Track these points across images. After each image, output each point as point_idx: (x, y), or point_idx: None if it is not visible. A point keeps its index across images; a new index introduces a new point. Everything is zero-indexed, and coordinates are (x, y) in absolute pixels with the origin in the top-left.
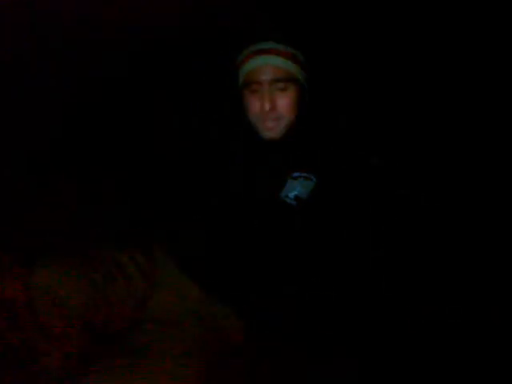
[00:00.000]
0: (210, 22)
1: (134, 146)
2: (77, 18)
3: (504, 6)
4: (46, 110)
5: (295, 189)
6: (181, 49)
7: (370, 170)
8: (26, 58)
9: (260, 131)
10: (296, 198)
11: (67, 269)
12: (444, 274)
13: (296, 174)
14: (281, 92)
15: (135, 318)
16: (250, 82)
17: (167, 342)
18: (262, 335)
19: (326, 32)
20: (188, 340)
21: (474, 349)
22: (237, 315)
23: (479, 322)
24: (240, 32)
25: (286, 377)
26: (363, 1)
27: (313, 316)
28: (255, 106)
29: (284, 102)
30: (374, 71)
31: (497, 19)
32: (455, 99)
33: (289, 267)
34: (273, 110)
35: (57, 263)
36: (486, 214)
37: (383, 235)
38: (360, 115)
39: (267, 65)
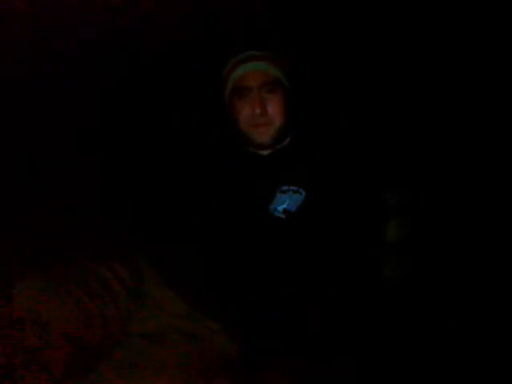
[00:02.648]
0: (210, 21)
1: (133, 147)
2: (77, 18)
3: (504, 6)
4: (47, 111)
5: (284, 202)
6: (181, 49)
7: (367, 173)
8: (28, 60)
9: (251, 137)
10: (285, 211)
11: (49, 285)
12: (444, 273)
13: (285, 188)
14: (270, 96)
15: (120, 333)
16: (239, 88)
17: (154, 357)
18: (262, 336)
19: (325, 34)
20: (176, 355)
21: (474, 349)
22: (227, 330)
23: (479, 321)
24: (240, 32)
25: (286, 377)
26: (363, 1)
27: (312, 316)
28: (245, 110)
29: (274, 106)
30: (372, 73)
31: (497, 19)
32: (455, 99)
33: (285, 271)
34: (263, 113)
35: (38, 279)
36: (486, 213)
37: (383, 235)
38: (356, 120)
39: (255, 70)
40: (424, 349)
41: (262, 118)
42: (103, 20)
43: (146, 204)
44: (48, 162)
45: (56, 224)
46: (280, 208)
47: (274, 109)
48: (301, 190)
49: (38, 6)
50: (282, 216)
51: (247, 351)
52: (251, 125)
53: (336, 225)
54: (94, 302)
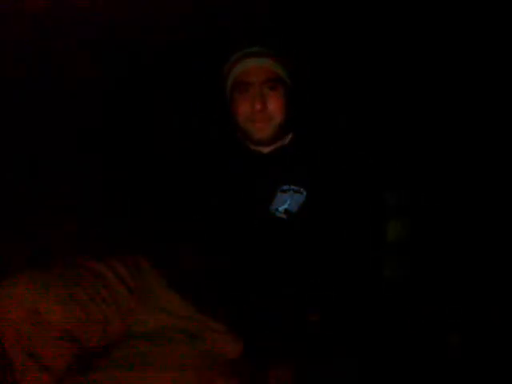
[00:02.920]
0: (209, 21)
1: (133, 146)
2: (77, 18)
3: (504, 6)
4: (47, 111)
5: (285, 202)
6: (181, 49)
7: (368, 173)
8: (28, 60)
9: (250, 133)
10: (286, 211)
11: (49, 284)
12: (444, 273)
13: (285, 187)
14: (271, 92)
15: (121, 333)
16: (240, 83)
17: (155, 357)
18: (262, 335)
19: (325, 33)
20: (177, 355)
21: (475, 349)
22: (228, 330)
23: (479, 322)
24: (240, 31)
25: (286, 377)
26: (363, 1)
27: (312, 316)
28: (245, 106)
29: (274, 103)
30: (373, 74)
31: (497, 19)
32: (455, 99)
33: (286, 272)
34: (263, 110)
35: (38, 278)
36: (486, 213)
37: (383, 235)
38: (356, 120)
39: (258, 66)
40: (424, 349)
41: (262, 114)
42: (103, 20)
43: (146, 204)
44: (48, 161)
45: (56, 224)
46: (281, 208)
47: (275, 106)
48: (301, 189)
49: (38, 5)
50: (284, 216)
51: (248, 351)
52: (250, 120)
53: (337, 225)
54: (94, 301)
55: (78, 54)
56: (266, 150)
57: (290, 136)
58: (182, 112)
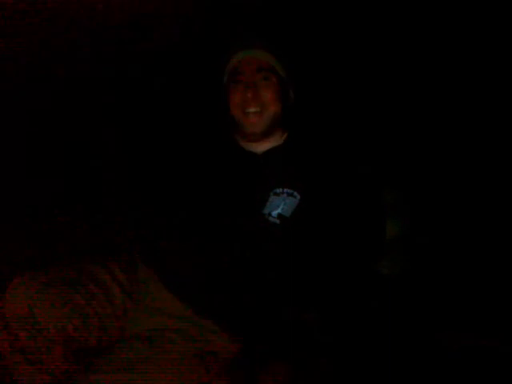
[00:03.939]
0: (209, 21)
1: (132, 147)
2: (77, 18)
3: (504, 6)
4: (46, 111)
5: (278, 206)
6: (181, 49)
7: (359, 179)
8: (27, 60)
9: (242, 126)
10: (279, 216)
11: (44, 287)
12: (438, 272)
13: (278, 190)
14: (264, 82)
15: (118, 334)
16: (233, 74)
17: (153, 358)
18: (260, 336)
19: (323, 30)
20: (174, 356)
21: (474, 348)
22: (225, 331)
23: (479, 321)
24: (240, 32)
25: (284, 377)
26: (358, 1)
27: (310, 321)
28: (237, 94)
29: (267, 92)
30: (367, 75)
31: (497, 19)
32: (452, 100)
33: (282, 278)
34: (255, 97)
35: (34, 281)
36: (485, 214)
37: (382, 238)
38: (352, 122)
39: (250, 56)
40: (420, 347)
41: (254, 101)
42: (103, 20)
43: (145, 205)
44: (47, 161)
45: (56, 224)
46: (274, 213)
47: (267, 95)
48: (295, 193)
49: (37, 5)
50: (277, 221)
51: (245, 351)
52: (241, 110)
53: (332, 231)
54: (90, 304)
55: (78, 53)
56: (259, 149)
57: (284, 136)
58: (182, 112)
